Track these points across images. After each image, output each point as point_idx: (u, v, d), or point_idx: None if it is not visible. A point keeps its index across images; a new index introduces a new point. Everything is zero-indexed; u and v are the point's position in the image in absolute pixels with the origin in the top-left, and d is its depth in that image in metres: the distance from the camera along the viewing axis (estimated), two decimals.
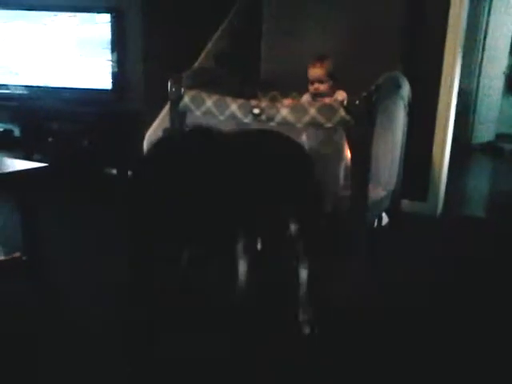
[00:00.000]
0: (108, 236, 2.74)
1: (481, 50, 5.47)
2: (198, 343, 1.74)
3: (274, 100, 2.89)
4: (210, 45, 4.13)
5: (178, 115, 2.67)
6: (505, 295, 2.23)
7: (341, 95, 2.55)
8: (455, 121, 3.22)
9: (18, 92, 3.64)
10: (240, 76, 3.19)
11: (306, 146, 2.57)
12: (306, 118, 2.27)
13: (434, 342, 1.84)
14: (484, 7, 5.36)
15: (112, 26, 3.49)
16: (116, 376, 1.59)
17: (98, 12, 3.49)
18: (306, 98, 2.74)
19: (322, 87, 2.61)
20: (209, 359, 1.67)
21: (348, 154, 2.34)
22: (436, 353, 1.77)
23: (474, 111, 5.60)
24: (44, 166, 1.96)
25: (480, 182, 4.49)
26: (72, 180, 3.33)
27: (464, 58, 3.20)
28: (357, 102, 2.19)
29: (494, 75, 5.71)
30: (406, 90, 2.70)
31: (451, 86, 3.05)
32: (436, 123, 3.08)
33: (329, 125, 2.24)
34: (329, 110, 2.24)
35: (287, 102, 2.64)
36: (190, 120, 2.63)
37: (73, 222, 2.96)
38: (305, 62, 2.68)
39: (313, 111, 2.26)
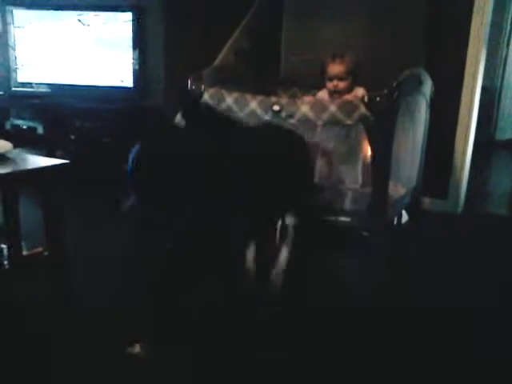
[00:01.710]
0: (129, 232, 2.77)
1: (505, 45, 5.36)
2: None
3: (294, 97, 2.87)
4: (230, 42, 4.13)
5: None
6: None
7: (360, 92, 2.50)
8: (478, 117, 3.16)
9: (41, 90, 3.70)
10: (260, 73, 3.18)
11: (324, 144, 2.57)
12: (326, 115, 2.26)
13: (451, 343, 1.81)
14: (509, 2, 5.25)
15: (133, 24, 3.51)
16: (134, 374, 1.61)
17: (121, 11, 3.53)
18: (321, 94, 2.68)
19: (342, 84, 2.54)
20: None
21: (368, 151, 2.32)
22: (454, 351, 1.75)
23: (498, 107, 5.50)
24: (66, 163, 1.99)
25: (502, 179, 4.40)
26: (93, 177, 3.37)
27: (488, 53, 3.14)
28: (378, 98, 2.17)
29: None
30: (427, 86, 2.66)
31: (475, 83, 3.00)
32: (458, 120, 3.04)
33: (349, 122, 2.23)
34: (349, 107, 2.22)
35: (307, 98, 2.62)
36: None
37: (94, 218, 3.00)
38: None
39: (333, 108, 2.24)
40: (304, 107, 2.32)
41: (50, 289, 2.02)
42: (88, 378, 1.59)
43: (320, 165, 2.62)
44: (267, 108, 2.41)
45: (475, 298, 2.15)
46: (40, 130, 3.56)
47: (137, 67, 3.56)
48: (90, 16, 3.56)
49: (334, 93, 2.57)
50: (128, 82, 3.57)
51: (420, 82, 2.56)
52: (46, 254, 2.06)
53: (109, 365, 1.64)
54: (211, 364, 1.65)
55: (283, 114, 2.38)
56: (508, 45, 5.35)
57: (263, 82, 3.01)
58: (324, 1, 3.20)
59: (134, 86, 3.58)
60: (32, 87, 3.71)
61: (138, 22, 3.53)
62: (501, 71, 5.40)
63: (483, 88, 3.18)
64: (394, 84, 2.19)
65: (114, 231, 2.78)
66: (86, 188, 3.25)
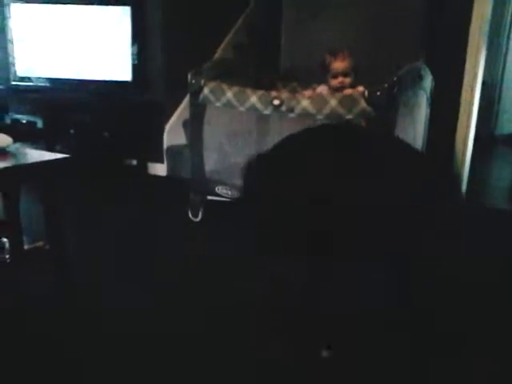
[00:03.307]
0: (127, 228, 2.78)
1: (505, 40, 5.35)
2: None
3: (293, 91, 2.87)
4: (229, 36, 4.13)
5: (198, 107, 2.68)
6: None
7: (361, 89, 2.43)
8: (478, 112, 3.16)
9: (40, 84, 3.68)
10: (260, 67, 3.18)
11: None
12: (327, 109, 2.26)
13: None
14: None
15: (132, 18, 3.50)
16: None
17: (119, 4, 3.51)
18: (321, 89, 2.63)
19: (347, 80, 2.49)
20: None
21: None
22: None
23: (499, 102, 5.49)
24: (66, 157, 1.98)
25: (503, 173, 4.40)
26: (93, 171, 3.37)
27: (488, 48, 3.13)
28: (378, 93, 2.17)
29: None
30: (428, 81, 2.66)
31: (475, 78, 2.99)
32: (459, 114, 3.03)
33: (349, 116, 2.23)
34: (350, 101, 2.22)
35: (307, 93, 2.61)
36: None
37: (94, 213, 3.00)
38: (325, 53, 2.59)
39: (333, 102, 2.24)
40: (304, 101, 2.32)
41: (51, 283, 2.03)
42: (87, 374, 1.59)
43: None
44: (267, 102, 2.41)
45: (477, 293, 2.14)
46: (40, 124, 3.54)
47: (136, 62, 3.55)
48: (89, 9, 3.55)
49: (338, 89, 2.49)
50: (127, 76, 3.57)
51: (420, 77, 2.55)
52: (47, 247, 2.06)
53: (110, 362, 1.64)
54: None
55: (283, 108, 2.38)
56: (508, 40, 5.33)
57: (263, 76, 3.00)
58: None
59: (133, 81, 3.57)
60: (31, 81, 3.70)
61: (137, 16, 3.52)
62: (501, 66, 5.39)
63: (484, 83, 3.18)
64: (395, 78, 2.19)
65: (113, 225, 2.79)
66: (86, 182, 3.24)
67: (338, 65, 2.49)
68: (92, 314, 1.89)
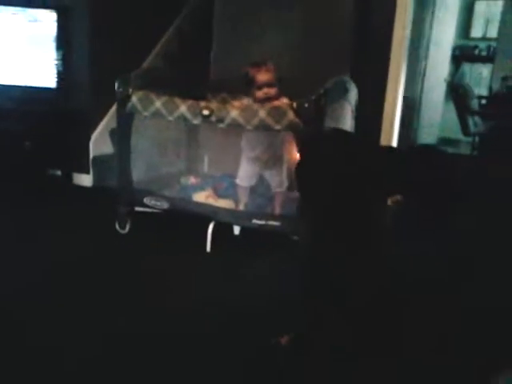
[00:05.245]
0: (51, 241, 2.65)
1: (424, 58, 5.68)
2: None
3: (223, 102, 2.87)
4: (159, 45, 4.08)
5: (126, 116, 2.62)
6: None
7: (285, 100, 2.46)
8: (400, 125, 3.31)
9: None
10: (189, 77, 3.16)
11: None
12: (256, 120, 2.28)
13: None
14: (427, 18, 5.57)
15: (58, 23, 3.37)
16: None
17: (44, 8, 3.37)
18: (246, 102, 2.61)
19: (272, 91, 2.49)
20: None
21: (295, 155, 2.36)
22: None
23: (418, 116, 5.80)
24: None
25: None
26: (15, 181, 3.19)
27: (408, 65, 3.31)
28: (306, 104, 2.22)
29: (436, 82, 5.95)
30: (353, 94, 2.75)
31: (396, 92, 3.14)
32: (382, 126, 3.17)
33: (278, 127, 2.26)
34: (278, 113, 2.25)
35: (237, 103, 2.62)
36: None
37: (14, 225, 2.83)
38: (247, 66, 2.54)
39: (262, 113, 2.27)
40: (234, 112, 2.33)
41: None
42: None
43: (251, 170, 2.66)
44: (197, 112, 2.40)
45: None
46: None
47: (61, 68, 3.42)
48: (12, 13, 3.38)
49: (264, 100, 2.47)
50: (51, 82, 3.42)
51: (346, 90, 2.64)
52: None
53: None
54: None
55: (213, 119, 2.37)
56: (426, 58, 5.67)
57: (192, 86, 2.99)
58: (254, 8, 3.23)
59: (58, 87, 3.43)
60: None
61: (62, 21, 3.39)
62: (420, 82, 5.71)
63: (405, 97, 3.34)
64: (321, 91, 2.25)
65: (37, 237, 2.65)
66: (5, 193, 3.07)
67: (263, 76, 2.48)
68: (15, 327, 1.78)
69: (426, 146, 1.58)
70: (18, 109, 3.31)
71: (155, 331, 1.84)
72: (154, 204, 2.63)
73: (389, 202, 1.57)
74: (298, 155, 2.30)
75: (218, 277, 2.33)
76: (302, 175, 1.52)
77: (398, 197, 1.71)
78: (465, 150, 5.43)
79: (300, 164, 1.53)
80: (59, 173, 3.60)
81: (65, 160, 3.58)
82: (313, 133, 1.76)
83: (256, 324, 1.89)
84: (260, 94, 2.49)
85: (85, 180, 3.63)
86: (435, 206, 1.38)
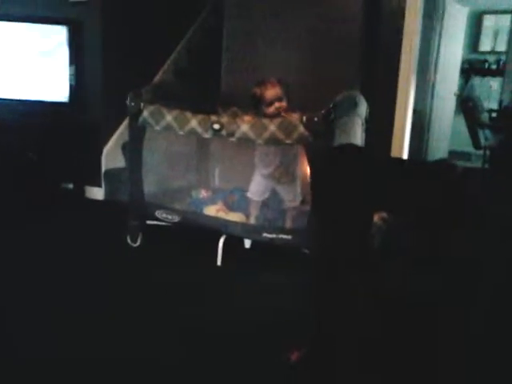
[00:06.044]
0: (64, 253, 2.67)
1: (433, 72, 5.69)
2: None
3: (234, 116, 2.89)
4: (170, 60, 4.13)
5: (137, 130, 2.64)
6: None
7: (295, 116, 2.44)
8: (411, 138, 3.32)
9: None
10: (200, 92, 3.19)
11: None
12: (266, 134, 2.29)
13: None
14: (435, 32, 5.59)
15: (70, 38, 3.43)
16: None
17: (56, 24, 3.43)
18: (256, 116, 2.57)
19: (284, 104, 2.51)
20: None
21: (307, 169, 2.36)
22: None
23: (428, 130, 5.80)
24: None
25: None
26: (27, 194, 3.23)
27: (418, 79, 3.32)
28: (316, 118, 2.23)
29: (445, 96, 5.95)
30: (363, 108, 2.76)
31: (406, 106, 3.15)
32: (392, 140, 3.17)
33: (288, 141, 2.27)
34: (288, 127, 2.27)
35: (247, 118, 2.64)
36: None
37: (29, 238, 2.86)
38: (253, 86, 2.58)
39: (272, 127, 2.28)
40: (244, 126, 2.34)
41: None
42: None
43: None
44: (207, 126, 2.42)
45: None
46: None
47: (73, 82, 3.47)
48: (26, 28, 3.44)
49: (276, 115, 2.47)
50: (64, 97, 3.47)
51: (355, 104, 2.65)
52: None
53: None
54: None
55: (224, 133, 2.39)
56: (435, 72, 5.68)
57: (203, 100, 3.01)
58: (264, 24, 3.26)
59: (70, 102, 3.47)
60: None
61: (75, 36, 3.45)
62: (430, 96, 5.72)
63: (414, 111, 3.35)
64: (331, 105, 2.26)
65: (49, 249, 2.67)
66: (20, 205, 3.10)
67: (271, 92, 2.50)
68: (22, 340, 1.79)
69: (440, 162, 1.53)
70: (31, 123, 3.35)
71: (165, 344, 1.84)
72: (165, 217, 2.65)
73: (375, 218, 1.57)
74: (308, 169, 2.31)
75: (228, 290, 2.33)
76: (316, 189, 1.52)
77: (384, 214, 1.72)
78: (476, 163, 5.40)
79: (313, 179, 1.53)
80: (71, 186, 3.64)
81: (77, 173, 3.62)
82: (326, 148, 1.74)
83: (266, 339, 1.89)
84: (271, 109, 2.51)
85: (97, 193, 3.66)
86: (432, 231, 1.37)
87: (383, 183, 1.38)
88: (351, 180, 1.38)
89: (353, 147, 1.81)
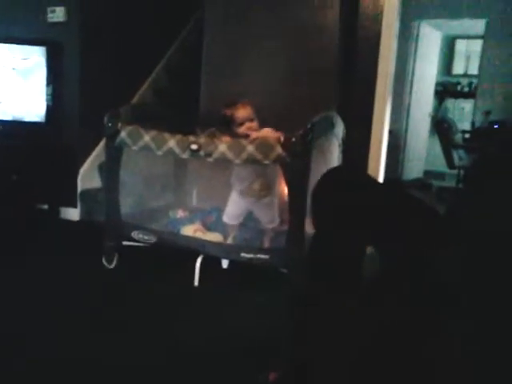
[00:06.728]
0: (37, 275, 2.61)
1: (408, 94, 5.82)
2: None
3: (212, 136, 2.90)
4: (149, 79, 4.14)
5: (114, 150, 2.62)
6: None
7: (267, 132, 2.50)
8: (387, 159, 3.36)
9: None
10: (179, 111, 3.20)
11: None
12: (244, 155, 2.30)
13: None
14: (410, 55, 5.74)
15: (48, 59, 3.41)
16: None
17: (34, 45, 3.42)
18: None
19: (254, 124, 2.53)
20: None
21: (284, 189, 2.37)
22: None
23: (404, 150, 5.90)
24: None
25: None
26: (1, 215, 3.16)
27: (394, 101, 3.38)
28: (293, 139, 2.25)
29: (420, 117, 6.08)
30: (339, 128, 2.81)
31: (382, 127, 3.19)
32: (368, 160, 3.21)
33: (266, 161, 2.28)
34: (266, 147, 2.28)
35: (225, 138, 2.65)
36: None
37: (1, 258, 2.79)
38: (222, 108, 2.60)
39: (250, 148, 2.29)
40: (222, 146, 2.35)
41: None
42: None
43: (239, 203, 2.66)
44: (185, 147, 2.41)
45: None
46: None
47: (50, 103, 3.44)
48: (3, 48, 3.42)
49: (247, 135, 2.49)
50: (40, 117, 3.44)
51: (332, 125, 2.69)
52: None
53: None
54: None
55: (201, 153, 2.39)
56: (411, 93, 5.81)
57: (181, 120, 3.02)
58: (242, 46, 3.30)
59: (47, 122, 3.44)
60: None
61: (53, 57, 3.43)
62: (405, 117, 5.84)
63: (390, 132, 3.40)
64: (309, 126, 2.29)
65: (22, 271, 2.61)
66: None
67: (242, 112, 2.52)
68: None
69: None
70: (7, 142, 3.31)
71: (140, 364, 1.80)
72: (142, 238, 2.62)
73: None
74: (285, 189, 2.31)
75: (205, 311, 2.31)
76: (315, 210, 1.53)
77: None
78: (450, 182, 5.51)
79: (314, 199, 1.54)
80: (46, 207, 3.58)
81: (52, 194, 3.56)
82: (329, 171, 1.72)
83: (243, 359, 1.86)
84: (243, 129, 2.53)
85: (72, 214, 3.61)
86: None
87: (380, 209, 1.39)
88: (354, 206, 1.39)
89: (351, 171, 1.81)
